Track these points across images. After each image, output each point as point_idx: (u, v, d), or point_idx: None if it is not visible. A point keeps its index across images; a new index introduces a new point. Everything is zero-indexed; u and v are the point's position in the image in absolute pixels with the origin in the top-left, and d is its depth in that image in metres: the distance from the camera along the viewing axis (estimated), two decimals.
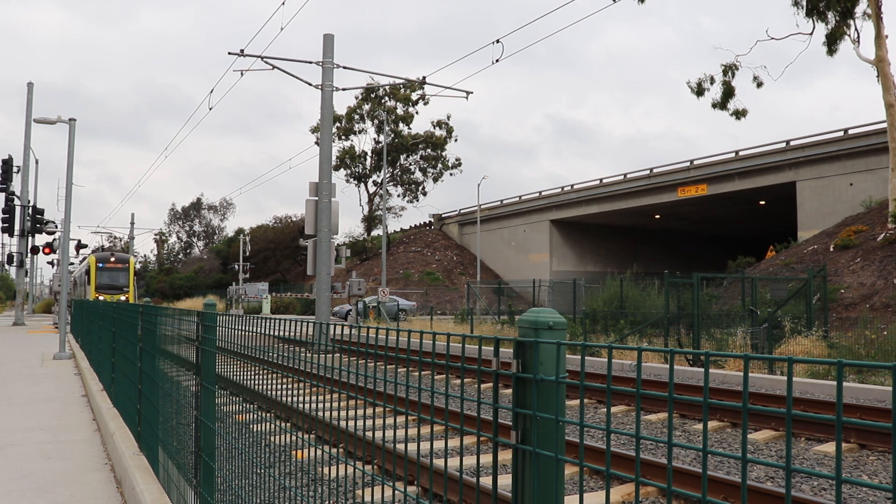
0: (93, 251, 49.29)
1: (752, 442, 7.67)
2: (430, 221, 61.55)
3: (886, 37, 23.11)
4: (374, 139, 59.65)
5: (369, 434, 6.50)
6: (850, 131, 31.53)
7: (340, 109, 58.63)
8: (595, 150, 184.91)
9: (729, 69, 27.38)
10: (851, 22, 24.61)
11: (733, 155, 37.21)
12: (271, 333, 2.81)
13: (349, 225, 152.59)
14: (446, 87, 21.94)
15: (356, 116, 59.57)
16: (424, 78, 21.30)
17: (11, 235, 29.73)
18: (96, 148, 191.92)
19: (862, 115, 64.50)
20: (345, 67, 19.92)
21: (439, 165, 61.45)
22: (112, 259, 39.11)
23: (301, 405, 2.54)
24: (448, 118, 60.80)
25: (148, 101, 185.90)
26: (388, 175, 57.16)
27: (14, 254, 31.92)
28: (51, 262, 53.76)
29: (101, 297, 31.24)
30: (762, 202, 39.54)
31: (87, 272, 38.91)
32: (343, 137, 59.61)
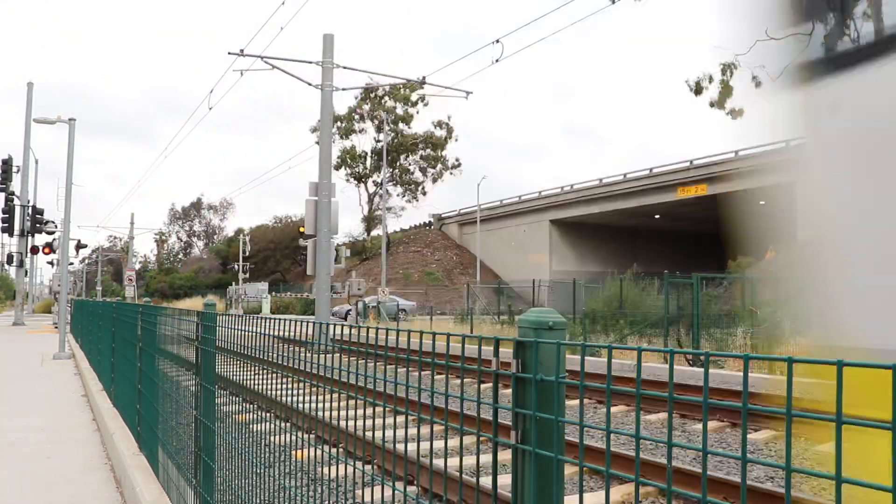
0: (93, 251, 48.38)
1: (752, 442, 7.67)
2: (429, 221, 61.54)
3: None
4: (375, 139, 59.70)
5: (369, 434, 6.50)
6: None
7: (340, 109, 58.68)
8: (600, 150, 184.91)
9: (727, 68, 27.38)
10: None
11: (733, 155, 37.23)
12: (271, 333, 2.82)
13: (349, 225, 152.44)
14: (446, 87, 21.96)
15: (356, 116, 59.61)
16: (424, 78, 21.31)
17: (11, 235, 29.74)
18: (103, 147, 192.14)
19: None
20: (344, 67, 19.95)
21: (439, 165, 61.50)
22: None
23: (301, 405, 2.54)
24: (448, 118, 60.88)
25: (155, 101, 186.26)
26: (388, 175, 57.17)
27: (14, 254, 31.93)
28: (51, 262, 53.74)
29: None
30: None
31: None
32: (343, 137, 59.65)
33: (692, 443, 7.84)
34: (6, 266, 47.53)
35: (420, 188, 62.32)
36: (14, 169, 29.75)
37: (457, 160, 61.94)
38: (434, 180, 62.16)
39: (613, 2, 15.30)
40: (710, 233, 51.95)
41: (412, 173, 62.27)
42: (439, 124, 60.67)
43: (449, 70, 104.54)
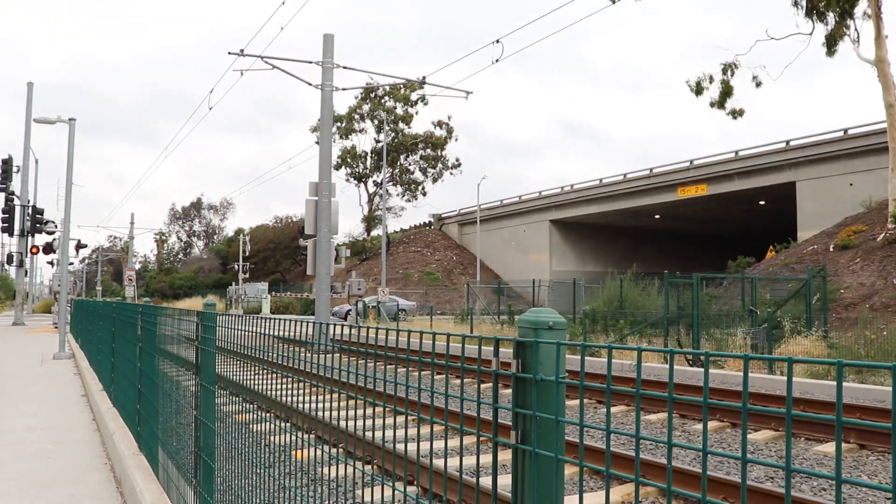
0: (93, 251, 48.69)
1: (752, 442, 7.67)
2: (429, 221, 61.53)
3: (886, 37, 23.10)
4: (375, 139, 59.69)
5: (369, 434, 6.50)
6: (850, 131, 31.53)
7: (341, 109, 58.65)
8: (600, 149, 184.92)
9: (728, 68, 27.36)
10: (851, 22, 24.59)
11: (733, 155, 37.21)
12: (271, 333, 2.81)
13: (349, 225, 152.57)
14: (446, 87, 21.96)
15: (356, 116, 59.57)
16: (424, 78, 21.31)
17: (11, 235, 29.74)
18: (103, 147, 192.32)
19: (862, 116, 64.86)
20: (344, 67, 19.94)
21: (439, 165, 61.48)
22: None
23: (301, 405, 2.54)
24: (449, 118, 60.89)
25: (157, 100, 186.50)
26: (388, 175, 57.16)
27: (14, 254, 31.92)
28: (51, 262, 53.76)
29: None
30: (762, 202, 39.54)
31: None
32: (343, 137, 59.62)
33: (692, 443, 7.84)
34: (6, 266, 47.53)
35: (420, 188, 62.32)
36: (14, 169, 29.75)
37: (457, 160, 61.97)
38: (434, 180, 62.16)
39: (614, 2, 15.29)
40: (710, 233, 52.15)
41: (412, 173, 62.26)
42: (439, 124, 60.69)
43: (449, 70, 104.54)
